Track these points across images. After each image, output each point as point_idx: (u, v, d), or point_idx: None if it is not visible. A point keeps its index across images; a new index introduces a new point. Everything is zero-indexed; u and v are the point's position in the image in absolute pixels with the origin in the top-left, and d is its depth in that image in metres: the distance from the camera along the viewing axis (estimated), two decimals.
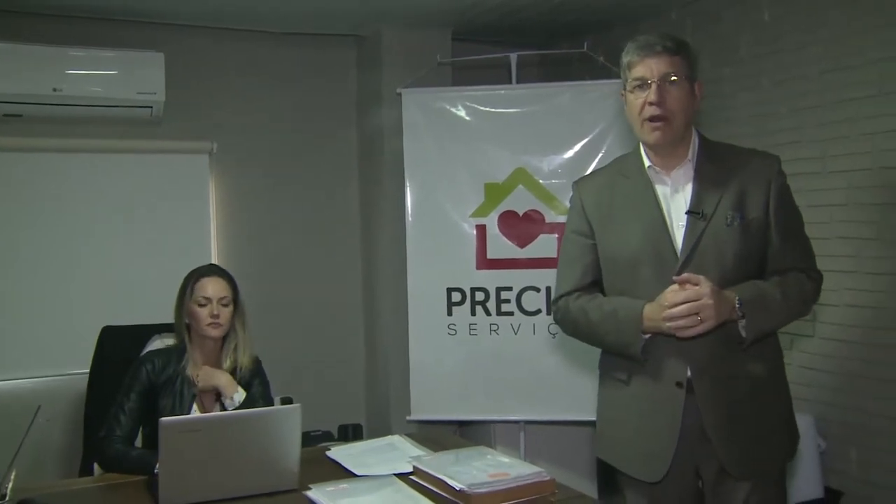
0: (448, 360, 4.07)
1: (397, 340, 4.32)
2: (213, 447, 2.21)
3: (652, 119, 2.17)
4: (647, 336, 2.16)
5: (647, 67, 2.17)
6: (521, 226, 4.00)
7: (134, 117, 4.11)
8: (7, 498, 1.96)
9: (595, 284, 2.36)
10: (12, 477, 1.99)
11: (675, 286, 2.08)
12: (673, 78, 2.16)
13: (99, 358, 3.30)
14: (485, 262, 4.03)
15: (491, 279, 4.02)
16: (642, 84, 2.18)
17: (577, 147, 3.94)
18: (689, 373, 2.16)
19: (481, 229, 4.03)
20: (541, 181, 3.98)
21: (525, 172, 3.98)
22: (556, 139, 3.97)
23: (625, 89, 2.25)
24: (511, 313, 4.00)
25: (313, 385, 4.50)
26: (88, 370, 3.29)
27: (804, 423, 3.39)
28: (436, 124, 4.07)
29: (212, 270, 2.83)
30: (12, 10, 3.94)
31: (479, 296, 4.04)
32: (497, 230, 4.02)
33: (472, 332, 4.04)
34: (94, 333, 3.33)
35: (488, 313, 4.03)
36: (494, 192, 4.02)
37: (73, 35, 4.03)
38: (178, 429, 2.20)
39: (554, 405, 3.95)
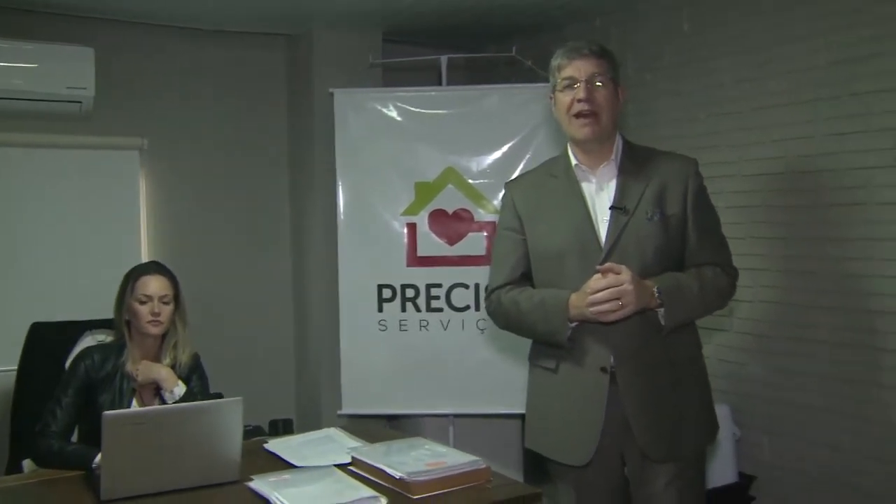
0: (378, 355, 4.12)
1: (328, 336, 4.36)
2: (156, 440, 2.23)
3: (580, 115, 2.29)
4: (574, 324, 2.28)
5: (575, 68, 2.31)
6: (450, 224, 4.09)
7: (63, 112, 4.04)
8: None
9: (525, 278, 2.46)
10: None
11: (598, 275, 2.20)
12: (599, 78, 2.30)
13: (27, 354, 3.27)
14: (415, 260, 4.10)
15: (421, 276, 4.09)
16: (571, 83, 2.31)
17: (505, 148, 4.04)
18: (612, 360, 2.27)
19: (412, 227, 4.11)
20: (470, 181, 4.07)
21: (454, 172, 4.07)
22: (484, 140, 4.07)
23: (553, 91, 2.38)
24: (441, 309, 4.08)
25: (244, 380, 4.38)
26: (17, 367, 3.26)
27: (721, 412, 3.52)
28: (367, 124, 4.12)
29: (153, 268, 2.84)
30: None
31: (410, 292, 4.11)
32: (427, 228, 4.10)
33: (403, 327, 4.11)
34: (23, 330, 3.30)
35: (418, 309, 4.11)
36: (424, 191, 4.10)
37: None
38: (122, 422, 2.21)
39: (482, 399, 4.04)
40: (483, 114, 4.08)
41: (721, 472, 3.51)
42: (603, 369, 2.28)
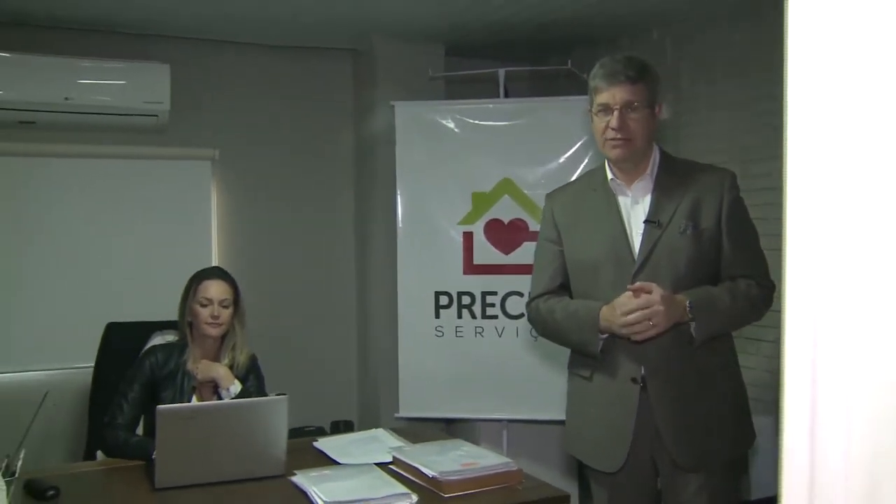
0: (435, 360, 4.22)
1: (388, 341, 4.46)
2: (206, 434, 2.39)
3: (613, 140, 2.33)
4: (605, 336, 2.33)
5: (610, 95, 2.32)
6: (506, 233, 4.16)
7: (140, 125, 4.26)
8: (17, 475, 2.12)
9: (563, 288, 2.52)
10: (21, 456, 2.15)
11: (629, 293, 2.24)
12: (634, 105, 2.32)
13: (103, 352, 3.42)
14: (471, 268, 4.19)
15: (477, 284, 4.18)
16: (606, 109, 2.34)
17: (561, 159, 4.10)
18: (643, 371, 2.31)
19: (468, 236, 4.20)
20: (525, 191, 4.13)
21: (511, 183, 4.15)
22: (539, 152, 4.13)
23: (591, 109, 2.40)
24: (496, 317, 4.16)
25: (308, 383, 4.63)
26: (93, 364, 3.41)
27: (765, 423, 3.53)
28: (427, 135, 4.23)
29: (215, 273, 2.98)
30: (27, 24, 4.10)
31: (466, 299, 4.21)
32: (483, 237, 4.18)
33: (459, 334, 4.21)
34: (100, 329, 3.46)
35: (474, 316, 4.20)
36: (481, 201, 4.19)
37: (83, 47, 4.18)
38: (174, 416, 2.39)
39: (535, 405, 4.09)
40: (539, 125, 4.15)
41: (765, 484, 3.50)
42: (633, 380, 2.32)
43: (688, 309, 2.24)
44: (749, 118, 3.80)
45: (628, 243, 2.36)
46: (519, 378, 4.12)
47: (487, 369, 4.16)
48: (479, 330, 4.20)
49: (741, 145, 3.80)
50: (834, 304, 0.56)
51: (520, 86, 5.03)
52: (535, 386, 4.09)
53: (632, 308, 2.22)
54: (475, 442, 4.12)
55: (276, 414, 2.50)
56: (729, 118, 3.90)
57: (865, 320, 0.54)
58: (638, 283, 2.26)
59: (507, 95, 4.35)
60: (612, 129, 2.32)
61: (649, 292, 2.21)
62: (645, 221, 2.36)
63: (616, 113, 2.31)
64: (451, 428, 4.49)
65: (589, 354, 2.39)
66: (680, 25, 4.19)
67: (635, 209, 2.40)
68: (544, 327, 2.55)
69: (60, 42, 4.17)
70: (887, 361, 0.52)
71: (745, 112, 3.82)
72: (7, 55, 3.94)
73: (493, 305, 4.17)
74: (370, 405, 4.83)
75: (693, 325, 2.25)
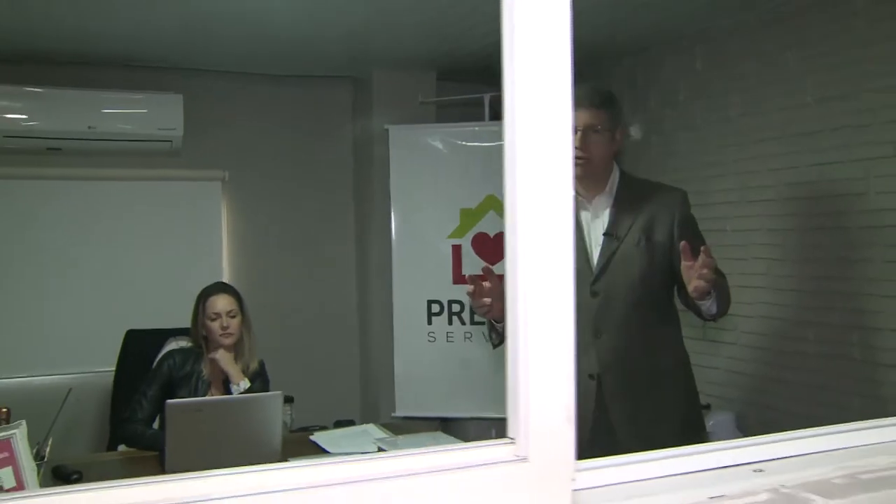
0: (428, 363, 4.55)
1: (385, 346, 4.77)
2: (210, 426, 2.68)
3: (575, 158, 2.54)
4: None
5: (575, 118, 2.45)
6: (492, 246, 4.50)
7: (156, 150, 4.58)
8: (45, 459, 2.45)
9: None
10: (49, 443, 2.43)
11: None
12: (596, 128, 2.55)
13: (123, 356, 3.79)
14: (460, 278, 4.52)
15: (465, 293, 4.49)
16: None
17: None
18: (598, 368, 2.53)
19: (457, 249, 4.54)
20: None
21: (495, 199, 4.47)
22: None
23: None
24: (483, 322, 4.44)
25: (314, 386, 4.86)
26: (114, 368, 3.77)
27: (726, 419, 3.88)
28: (418, 156, 4.58)
29: (218, 288, 3.27)
30: (54, 61, 4.45)
31: (456, 307, 4.54)
32: (471, 249, 4.52)
33: (450, 339, 4.55)
34: (120, 335, 3.82)
35: (463, 322, 4.54)
36: (468, 217, 4.53)
37: (105, 80, 4.51)
38: (181, 409, 2.71)
39: None
40: None
41: None
42: (590, 376, 2.53)
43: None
44: (706, 138, 4.09)
45: (587, 254, 2.58)
46: (505, 379, 4.42)
47: (476, 371, 4.47)
48: (468, 335, 4.53)
49: (699, 163, 4.10)
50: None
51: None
52: None
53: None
54: (465, 439, 4.46)
55: (271, 409, 2.79)
56: (689, 138, 4.20)
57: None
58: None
59: (496, 118, 4.67)
60: (575, 148, 2.52)
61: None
62: (604, 234, 2.58)
63: (579, 134, 2.52)
64: (445, 426, 4.81)
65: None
66: (647, 54, 4.48)
67: (595, 223, 2.62)
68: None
69: (84, 76, 4.50)
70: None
71: (703, 133, 4.12)
72: (38, 90, 4.30)
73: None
74: (371, 405, 5.15)
75: (711, 294, 2.38)
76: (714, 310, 2.47)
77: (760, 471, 0.99)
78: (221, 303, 3.19)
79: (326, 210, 5.24)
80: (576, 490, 0.87)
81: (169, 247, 4.78)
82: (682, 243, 2.35)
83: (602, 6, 3.70)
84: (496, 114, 4.63)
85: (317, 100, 5.18)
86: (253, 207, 5.07)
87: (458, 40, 4.45)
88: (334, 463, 0.78)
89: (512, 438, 0.84)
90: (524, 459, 0.83)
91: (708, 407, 3.91)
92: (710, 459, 0.99)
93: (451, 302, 4.56)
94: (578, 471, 0.89)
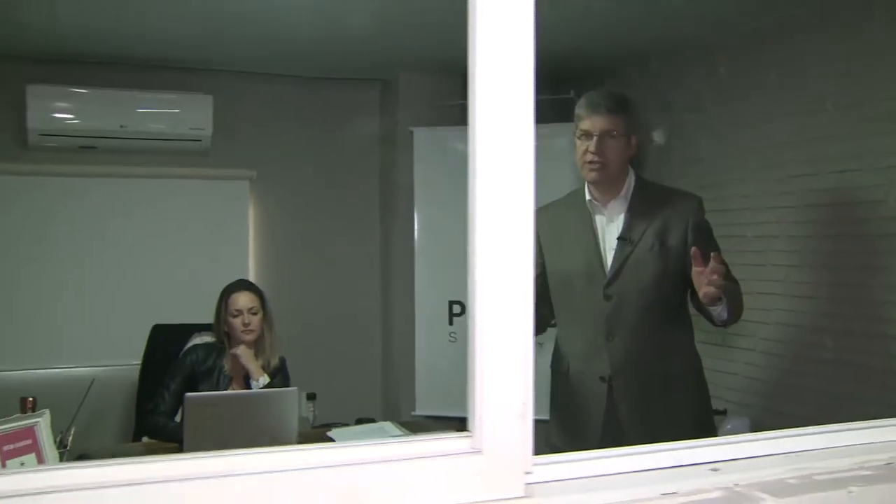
0: (448, 364, 4.55)
1: (407, 346, 4.82)
2: (228, 419, 2.75)
3: (590, 162, 2.58)
4: None
5: (591, 123, 2.57)
6: None
7: (186, 149, 4.69)
8: (68, 448, 2.54)
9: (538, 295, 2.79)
10: (72, 432, 2.52)
11: None
12: (611, 133, 2.57)
13: (150, 350, 3.88)
14: None
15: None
16: (586, 135, 2.58)
17: (562, 180, 4.44)
18: (610, 370, 2.57)
19: None
20: None
21: None
22: (543, 172, 4.46)
23: (574, 134, 2.64)
24: None
25: (337, 384, 4.85)
26: (141, 361, 3.87)
27: (741, 424, 3.88)
28: (441, 158, 4.61)
29: (240, 286, 3.35)
30: (88, 61, 4.57)
31: None
32: None
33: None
34: (147, 330, 3.92)
35: None
36: None
37: (137, 80, 4.61)
38: (200, 402, 2.79)
39: (538, 406, 4.44)
40: (542, 149, 4.46)
41: None
42: (602, 378, 2.58)
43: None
44: (726, 144, 4.09)
45: (601, 258, 2.62)
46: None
47: None
48: None
49: (720, 168, 4.10)
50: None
51: (538, 113, 5.35)
52: (540, 387, 4.41)
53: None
54: None
55: (287, 404, 2.86)
56: (711, 143, 4.19)
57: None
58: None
59: None
60: (591, 153, 2.56)
61: None
62: (618, 238, 2.60)
63: (595, 139, 2.55)
64: (464, 426, 4.86)
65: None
66: (671, 58, 4.48)
67: (610, 227, 2.65)
68: None
69: (117, 76, 4.61)
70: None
71: (724, 139, 4.12)
72: (77, 90, 4.45)
73: None
74: (391, 404, 5.21)
75: (722, 301, 2.41)
76: (725, 315, 2.48)
77: (717, 470, 1.03)
78: (243, 300, 3.26)
79: (351, 210, 5.30)
80: (530, 483, 0.91)
81: (196, 244, 4.87)
82: (694, 249, 2.37)
83: (627, 12, 3.73)
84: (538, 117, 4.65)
85: (343, 102, 5.24)
86: (279, 207, 5.15)
87: None
88: (291, 451, 0.83)
89: (470, 432, 0.89)
90: (479, 452, 0.88)
91: (724, 412, 3.91)
92: (669, 458, 1.03)
93: None
94: (536, 465, 0.93)
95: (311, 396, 4.34)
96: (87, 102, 4.46)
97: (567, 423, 2.75)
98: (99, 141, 4.54)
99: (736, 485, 0.99)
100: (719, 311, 2.48)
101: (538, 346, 3.60)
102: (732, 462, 1.05)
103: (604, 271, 2.61)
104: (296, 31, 4.15)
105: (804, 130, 3.64)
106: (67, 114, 4.43)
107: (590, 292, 2.61)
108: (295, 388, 2.95)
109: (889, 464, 1.08)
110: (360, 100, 5.31)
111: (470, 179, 0.90)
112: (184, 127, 4.61)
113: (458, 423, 0.87)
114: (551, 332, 2.86)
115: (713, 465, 1.03)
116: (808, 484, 1.00)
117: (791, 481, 1.01)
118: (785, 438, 1.10)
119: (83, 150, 4.59)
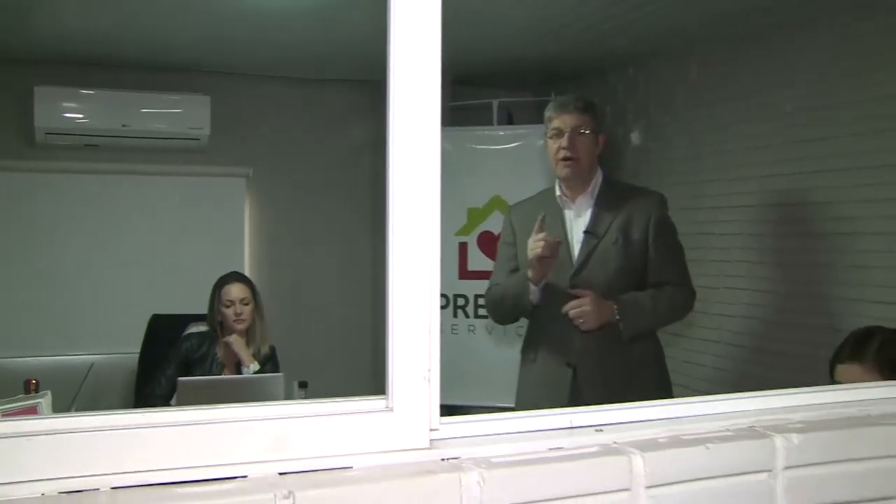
0: None
1: None
2: (217, 402, 2.96)
3: (564, 159, 2.76)
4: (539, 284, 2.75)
5: (561, 121, 2.76)
6: (496, 244, 4.69)
7: (184, 147, 4.87)
8: None
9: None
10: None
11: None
12: (582, 130, 2.75)
13: (148, 338, 4.04)
14: (466, 273, 4.77)
15: (470, 287, 4.74)
16: (558, 133, 2.76)
17: (544, 179, 4.65)
18: (574, 357, 2.74)
19: (463, 246, 4.78)
20: None
21: (500, 199, 4.69)
22: (526, 171, 4.63)
23: (546, 135, 2.83)
24: (486, 316, 4.68)
25: (328, 373, 4.80)
26: (140, 349, 4.03)
27: None
28: None
29: (233, 278, 3.51)
30: (92, 63, 4.74)
31: (461, 301, 4.79)
32: (476, 247, 4.76)
33: (454, 331, 4.79)
34: (145, 319, 4.08)
35: (467, 316, 4.78)
36: (475, 215, 4.77)
37: (138, 82, 4.78)
38: (193, 385, 2.99)
39: (503, 391, 4.55)
40: (526, 149, 4.70)
41: None
42: (567, 364, 2.75)
43: (615, 310, 2.68)
44: (700, 145, 4.26)
45: (569, 250, 2.79)
46: (506, 369, 4.62)
47: (478, 362, 4.69)
48: (471, 328, 4.77)
49: (693, 169, 4.27)
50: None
51: (523, 114, 5.54)
52: (503, 374, 4.52)
53: (568, 307, 2.69)
54: None
55: (273, 388, 3.06)
56: (685, 145, 4.37)
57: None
58: (576, 290, 2.72)
59: (510, 121, 4.90)
60: (563, 149, 2.73)
61: (582, 296, 2.68)
62: (584, 232, 2.78)
63: (566, 135, 2.73)
64: (454, 412, 5.04)
65: (525, 305, 2.79)
66: (648, 63, 4.66)
67: (577, 221, 2.82)
68: (494, 302, 2.97)
69: (118, 77, 4.77)
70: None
71: (698, 140, 4.29)
72: (83, 91, 4.63)
73: (483, 306, 4.71)
74: (381, 392, 5.37)
75: (621, 324, 2.69)
76: (623, 331, 2.69)
77: (600, 430, 1.22)
78: (235, 291, 3.43)
79: (343, 207, 5.40)
80: (435, 439, 1.11)
81: (194, 238, 5.03)
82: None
83: (604, 16, 3.88)
84: (517, 117, 4.85)
85: (337, 102, 5.35)
86: (274, 203, 5.30)
87: (470, 47, 4.66)
88: (234, 407, 1.03)
89: (385, 394, 1.09)
90: (391, 410, 1.08)
91: None
92: (562, 420, 1.22)
93: (456, 296, 4.79)
94: (443, 424, 1.13)
95: (303, 385, 4.50)
96: (92, 103, 4.64)
97: (532, 405, 2.86)
98: (102, 140, 4.72)
99: (614, 442, 1.18)
100: (621, 330, 2.70)
101: (518, 337, 3.78)
102: (616, 425, 1.24)
103: (571, 263, 2.78)
104: (291, 34, 4.28)
105: (768, 135, 3.81)
106: (73, 113, 4.61)
107: (557, 282, 2.77)
108: (281, 374, 3.13)
109: (751, 427, 1.27)
110: (352, 101, 5.40)
111: (389, 174, 1.08)
112: (183, 126, 4.78)
113: (445, 410, 1.04)
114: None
115: (598, 427, 1.22)
116: (675, 442, 1.19)
117: (661, 440, 1.20)
118: (666, 406, 1.29)
119: (87, 149, 4.76)
